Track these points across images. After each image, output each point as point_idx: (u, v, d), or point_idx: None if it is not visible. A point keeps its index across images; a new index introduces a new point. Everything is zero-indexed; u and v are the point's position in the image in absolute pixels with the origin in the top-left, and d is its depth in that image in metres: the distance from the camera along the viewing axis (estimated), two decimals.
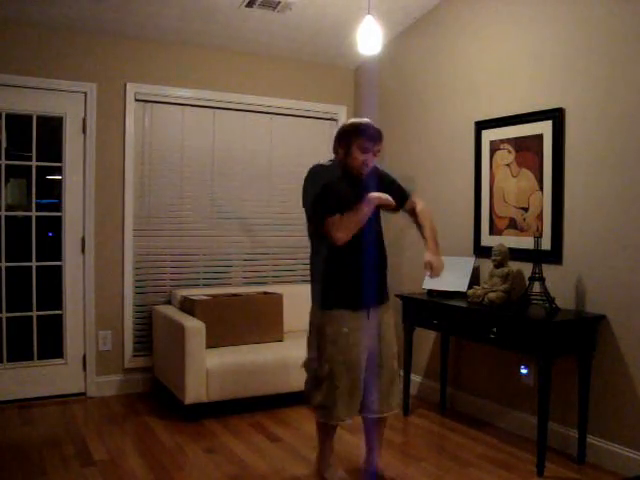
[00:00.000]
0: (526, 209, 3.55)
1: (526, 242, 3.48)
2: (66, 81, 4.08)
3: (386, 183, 2.87)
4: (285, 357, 3.93)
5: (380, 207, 2.80)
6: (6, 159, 3.98)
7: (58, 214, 4.16)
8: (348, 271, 2.72)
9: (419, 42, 4.40)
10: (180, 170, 4.48)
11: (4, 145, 3.96)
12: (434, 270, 2.73)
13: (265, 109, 4.75)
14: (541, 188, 3.45)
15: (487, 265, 3.65)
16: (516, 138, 3.61)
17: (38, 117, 4.07)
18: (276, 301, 4.25)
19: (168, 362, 4.01)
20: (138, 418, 3.80)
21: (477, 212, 3.88)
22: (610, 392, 3.10)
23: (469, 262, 3.84)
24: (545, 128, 3.41)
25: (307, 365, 2.85)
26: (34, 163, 4.08)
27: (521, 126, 3.57)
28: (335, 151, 2.81)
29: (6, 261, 4.00)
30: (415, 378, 4.30)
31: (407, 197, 2.91)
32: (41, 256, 4.13)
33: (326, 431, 2.86)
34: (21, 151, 4.09)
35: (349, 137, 2.72)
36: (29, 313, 4.10)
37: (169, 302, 4.40)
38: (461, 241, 3.99)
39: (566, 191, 3.32)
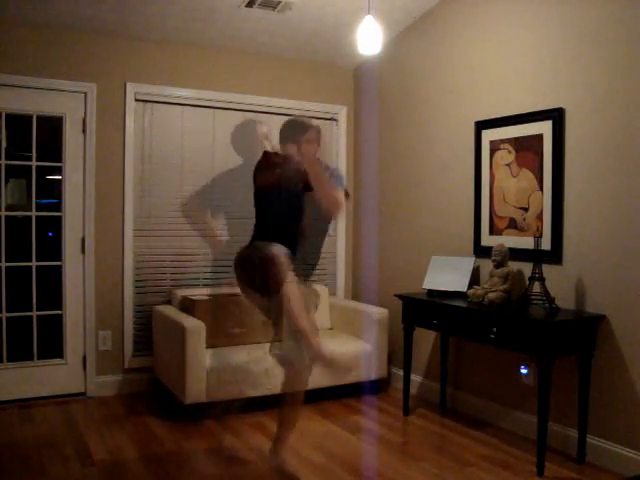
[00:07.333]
0: (526, 209, 3.55)
1: (526, 242, 3.47)
2: (66, 81, 4.08)
3: None
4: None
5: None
6: (6, 159, 3.98)
7: (58, 214, 4.15)
8: None
9: (419, 42, 4.40)
10: (180, 170, 4.48)
11: (4, 145, 3.96)
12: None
13: (265, 109, 4.74)
14: (541, 188, 3.45)
15: (487, 265, 3.65)
16: (516, 138, 3.61)
17: (38, 117, 4.07)
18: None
19: (168, 362, 4.01)
20: (138, 418, 3.80)
21: (477, 212, 3.88)
22: (610, 392, 3.10)
23: (469, 262, 3.84)
24: (545, 128, 3.41)
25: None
26: (34, 163, 4.08)
27: (521, 126, 3.57)
28: None
29: (6, 261, 3.99)
30: (415, 378, 4.30)
31: None
32: (41, 256, 4.12)
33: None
34: (21, 151, 4.08)
35: None
36: (29, 313, 4.10)
37: (169, 302, 4.40)
38: (461, 241, 3.99)
39: (566, 191, 3.32)
